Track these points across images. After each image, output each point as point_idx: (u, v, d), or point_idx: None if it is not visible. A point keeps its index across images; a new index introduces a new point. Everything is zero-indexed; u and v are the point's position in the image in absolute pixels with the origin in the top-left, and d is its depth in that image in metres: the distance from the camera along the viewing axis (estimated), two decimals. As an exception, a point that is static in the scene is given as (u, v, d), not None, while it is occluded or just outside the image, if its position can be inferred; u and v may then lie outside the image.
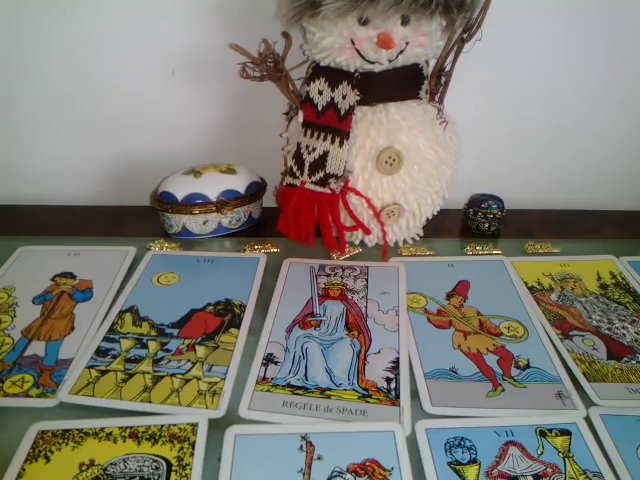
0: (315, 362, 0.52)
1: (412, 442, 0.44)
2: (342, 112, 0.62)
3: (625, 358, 0.54)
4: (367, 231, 0.66)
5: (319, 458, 0.42)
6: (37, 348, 0.54)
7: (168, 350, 0.53)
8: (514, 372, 0.52)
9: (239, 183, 0.72)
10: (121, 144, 0.82)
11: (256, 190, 0.74)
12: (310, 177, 0.64)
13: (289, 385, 0.50)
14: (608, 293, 0.63)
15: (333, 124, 0.62)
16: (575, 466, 0.42)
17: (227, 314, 0.58)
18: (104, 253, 0.68)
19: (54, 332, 0.56)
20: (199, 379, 0.50)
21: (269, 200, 0.79)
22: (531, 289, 0.63)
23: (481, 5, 0.60)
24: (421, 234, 0.72)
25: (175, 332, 0.56)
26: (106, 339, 0.55)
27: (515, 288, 0.63)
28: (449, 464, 0.42)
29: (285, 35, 0.64)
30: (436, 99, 0.67)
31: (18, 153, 0.83)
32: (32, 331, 0.56)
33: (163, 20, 0.73)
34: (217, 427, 0.45)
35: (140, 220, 0.77)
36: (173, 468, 0.42)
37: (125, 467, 0.42)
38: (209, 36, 0.73)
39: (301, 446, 0.43)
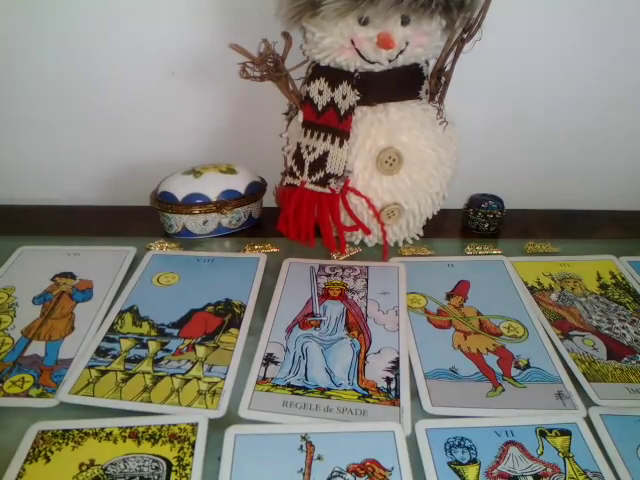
0: (315, 362, 0.52)
1: (412, 442, 0.44)
2: (342, 112, 0.62)
3: (625, 358, 0.54)
4: (367, 231, 0.66)
5: (319, 458, 0.42)
6: (37, 348, 0.54)
7: (168, 350, 0.53)
8: (514, 372, 0.52)
9: (239, 183, 0.73)
10: (121, 144, 0.82)
11: (256, 190, 0.74)
12: (310, 177, 0.64)
13: (289, 385, 0.50)
14: (608, 293, 0.63)
15: (333, 124, 0.62)
16: (575, 466, 0.43)
17: (227, 314, 0.58)
18: (104, 253, 0.68)
19: (54, 332, 0.56)
20: (199, 379, 0.50)
21: (269, 200, 0.79)
22: (531, 289, 0.63)
23: (481, 5, 0.60)
24: (421, 234, 0.72)
25: (175, 332, 0.56)
26: (106, 339, 0.55)
27: (515, 288, 0.63)
28: (449, 464, 0.42)
29: (285, 35, 0.64)
30: (436, 99, 0.67)
31: (18, 153, 0.83)
32: (32, 331, 0.56)
33: (163, 20, 0.73)
34: (217, 427, 0.45)
35: (140, 220, 0.77)
36: (173, 468, 0.42)
37: (125, 467, 0.42)
38: (209, 36, 0.73)
39: (301, 446, 0.43)
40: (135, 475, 0.41)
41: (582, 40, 0.74)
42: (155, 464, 0.42)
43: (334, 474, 0.41)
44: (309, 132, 0.64)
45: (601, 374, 0.51)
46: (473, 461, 0.43)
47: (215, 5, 0.72)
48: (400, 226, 0.68)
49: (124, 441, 0.44)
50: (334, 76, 0.62)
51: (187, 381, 0.50)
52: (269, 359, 0.52)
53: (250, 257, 0.68)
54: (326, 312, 0.58)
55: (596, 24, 0.73)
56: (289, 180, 0.66)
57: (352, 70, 0.61)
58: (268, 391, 0.49)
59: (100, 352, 0.53)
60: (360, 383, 0.50)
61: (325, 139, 0.63)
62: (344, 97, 0.62)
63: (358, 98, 0.62)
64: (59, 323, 0.57)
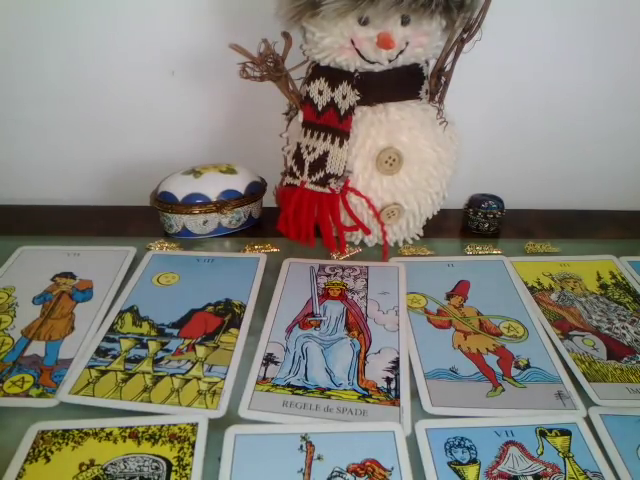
0: (315, 362, 0.52)
1: (412, 442, 0.44)
2: (342, 112, 0.62)
3: (625, 358, 0.54)
4: (367, 231, 0.66)
5: (319, 458, 0.42)
6: (37, 348, 0.54)
7: (168, 350, 0.53)
8: (514, 372, 0.52)
9: (239, 183, 0.73)
10: (121, 144, 0.82)
11: (256, 190, 0.74)
12: (310, 177, 0.64)
13: (289, 385, 0.50)
14: (608, 293, 0.63)
15: (333, 124, 0.62)
16: (575, 466, 0.42)
17: (227, 314, 0.58)
18: (104, 253, 0.68)
19: (54, 332, 0.56)
20: (199, 379, 0.50)
21: (269, 200, 0.79)
22: (531, 289, 0.63)
23: (481, 5, 0.60)
24: (421, 234, 0.72)
25: (175, 332, 0.56)
26: (106, 339, 0.55)
27: (515, 288, 0.63)
28: (449, 464, 0.42)
29: (285, 35, 0.64)
30: (436, 99, 0.67)
31: (18, 153, 0.83)
32: (32, 331, 0.56)
33: (163, 20, 0.73)
34: (217, 427, 0.45)
35: (140, 220, 0.77)
36: (173, 468, 0.42)
37: (125, 467, 0.42)
38: (209, 36, 0.73)
39: (301, 446, 0.43)
40: (135, 475, 0.41)
41: (582, 40, 0.74)
42: (155, 464, 0.42)
43: (334, 474, 0.41)
44: (309, 132, 0.64)
45: (601, 374, 0.51)
46: (473, 461, 0.43)
47: (215, 5, 0.72)
48: (400, 226, 0.68)
49: (124, 441, 0.44)
50: (334, 76, 0.62)
51: (187, 381, 0.50)
52: (269, 359, 0.52)
53: (250, 257, 0.68)
54: (326, 312, 0.58)
55: (596, 24, 0.73)
56: (289, 180, 0.66)
57: (352, 70, 0.61)
58: (268, 391, 0.49)
59: (100, 352, 0.53)
60: (360, 383, 0.50)
61: (325, 139, 0.63)
62: (344, 97, 0.62)
63: (358, 98, 0.62)
64: (59, 323, 0.57)
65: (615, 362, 0.53)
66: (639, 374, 0.52)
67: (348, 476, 0.41)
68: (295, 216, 0.65)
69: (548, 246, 0.71)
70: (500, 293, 0.62)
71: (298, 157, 0.64)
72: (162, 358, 0.52)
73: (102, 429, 0.45)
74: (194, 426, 0.45)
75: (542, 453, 0.43)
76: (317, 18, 0.56)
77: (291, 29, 0.63)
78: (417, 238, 0.72)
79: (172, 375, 0.51)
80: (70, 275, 0.64)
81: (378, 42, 0.57)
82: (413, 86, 0.64)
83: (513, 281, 0.64)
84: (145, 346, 0.54)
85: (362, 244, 0.71)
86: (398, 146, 0.62)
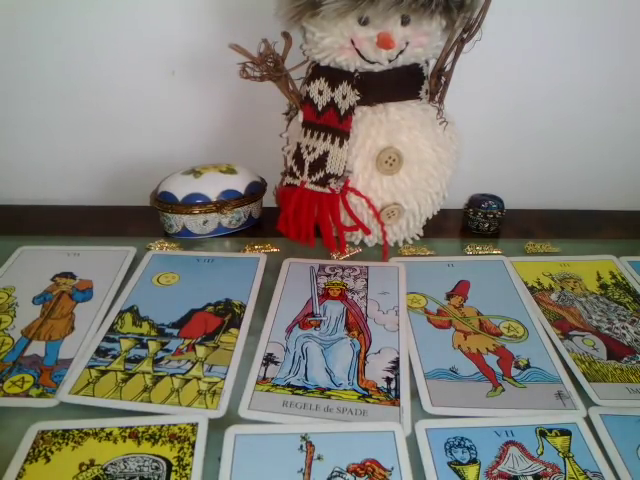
0: (315, 362, 0.52)
1: (412, 442, 0.44)
2: (342, 112, 0.62)
3: (625, 358, 0.54)
4: (367, 231, 0.66)
5: (319, 458, 0.42)
6: (37, 348, 0.54)
7: (168, 350, 0.53)
8: (514, 372, 0.52)
9: (239, 183, 0.73)
10: (121, 144, 0.82)
11: (256, 190, 0.74)
12: (310, 177, 0.64)
13: (289, 385, 0.50)
14: (608, 293, 0.63)
15: (333, 124, 0.62)
16: (575, 466, 0.42)
17: (227, 314, 0.58)
18: (104, 253, 0.68)
19: (54, 332, 0.56)
20: (199, 379, 0.50)
21: (269, 200, 0.79)
22: (531, 289, 0.63)
23: (481, 5, 0.60)
24: (421, 234, 0.72)
25: (175, 332, 0.56)
26: (106, 339, 0.55)
27: (515, 288, 0.63)
28: (449, 464, 0.42)
29: (285, 35, 0.64)
30: (436, 99, 0.67)
31: (18, 153, 0.83)
32: (32, 331, 0.56)
33: (163, 20, 0.73)
34: (217, 427, 0.45)
35: (140, 220, 0.77)
36: (173, 468, 0.42)
37: (125, 467, 0.42)
38: (209, 36, 0.73)
39: (301, 446, 0.43)
40: (135, 475, 0.41)
41: (582, 41, 0.74)
42: (155, 464, 0.42)
43: (334, 474, 0.41)
44: (309, 132, 0.64)
45: (601, 374, 0.51)
46: (473, 461, 0.43)
47: (215, 5, 0.72)
48: (400, 226, 0.68)
49: (124, 441, 0.44)
50: (334, 76, 0.62)
51: (187, 381, 0.50)
52: (269, 359, 0.52)
53: (250, 257, 0.68)
54: (326, 312, 0.58)
55: (596, 25, 0.73)
56: (289, 180, 0.66)
57: (352, 70, 0.61)
58: (268, 391, 0.49)
59: (100, 352, 0.53)
60: (360, 383, 0.50)
61: (325, 139, 0.63)
62: (344, 97, 0.62)
63: (358, 98, 0.62)
64: (59, 323, 0.57)
65: (615, 362, 0.53)
66: (639, 374, 0.52)
67: (348, 476, 0.41)
68: (295, 216, 0.65)
69: (548, 246, 0.71)
70: (500, 293, 0.62)
71: (298, 157, 0.64)
72: (162, 358, 0.52)
73: (102, 429, 0.45)
74: (194, 426, 0.45)
75: (542, 453, 0.43)
76: (317, 18, 0.56)
77: (291, 29, 0.63)
78: (417, 238, 0.72)
79: (172, 375, 0.51)
80: (70, 275, 0.64)
81: (378, 42, 0.57)
82: (413, 86, 0.64)
83: (513, 281, 0.64)
84: (145, 346, 0.54)
85: (362, 244, 0.71)
86: (398, 146, 0.62)
